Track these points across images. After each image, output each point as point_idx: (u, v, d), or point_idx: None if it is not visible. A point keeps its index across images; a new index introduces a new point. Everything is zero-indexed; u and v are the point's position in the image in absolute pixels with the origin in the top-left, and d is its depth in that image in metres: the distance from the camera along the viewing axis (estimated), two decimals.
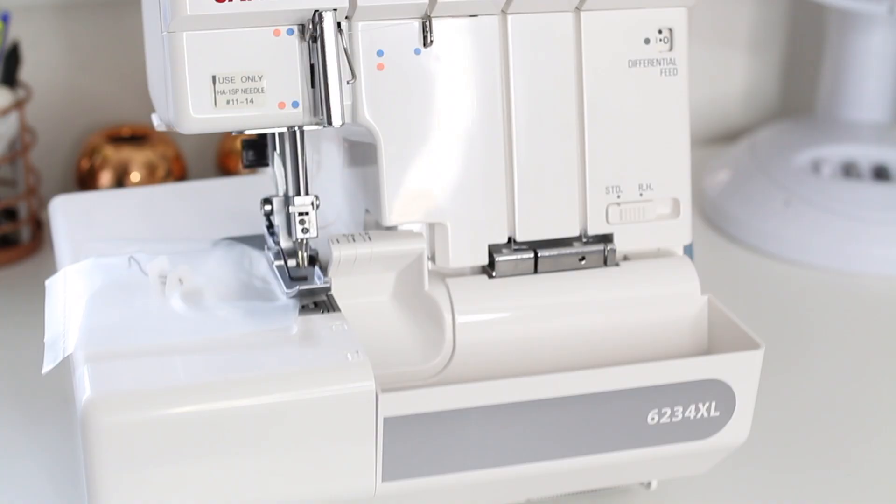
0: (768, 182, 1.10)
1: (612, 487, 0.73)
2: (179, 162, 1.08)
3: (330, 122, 0.64)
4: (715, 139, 1.28)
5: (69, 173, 1.11)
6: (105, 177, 1.06)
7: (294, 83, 0.64)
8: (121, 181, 1.05)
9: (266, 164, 0.73)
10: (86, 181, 1.06)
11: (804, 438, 0.81)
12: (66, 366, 0.70)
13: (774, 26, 1.29)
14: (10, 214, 1.04)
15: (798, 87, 1.30)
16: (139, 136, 1.08)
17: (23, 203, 1.04)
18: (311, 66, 0.64)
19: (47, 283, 0.70)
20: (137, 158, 1.06)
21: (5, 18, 0.99)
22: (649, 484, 0.74)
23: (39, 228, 1.05)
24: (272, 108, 0.64)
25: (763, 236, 1.07)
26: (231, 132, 0.66)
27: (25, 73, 1.05)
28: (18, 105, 1.00)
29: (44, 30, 1.08)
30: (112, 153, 1.06)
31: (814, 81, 1.25)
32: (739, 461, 0.77)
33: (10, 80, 1.01)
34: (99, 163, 1.06)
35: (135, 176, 1.05)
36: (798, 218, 1.06)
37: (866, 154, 1.12)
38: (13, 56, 1.01)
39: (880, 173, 1.10)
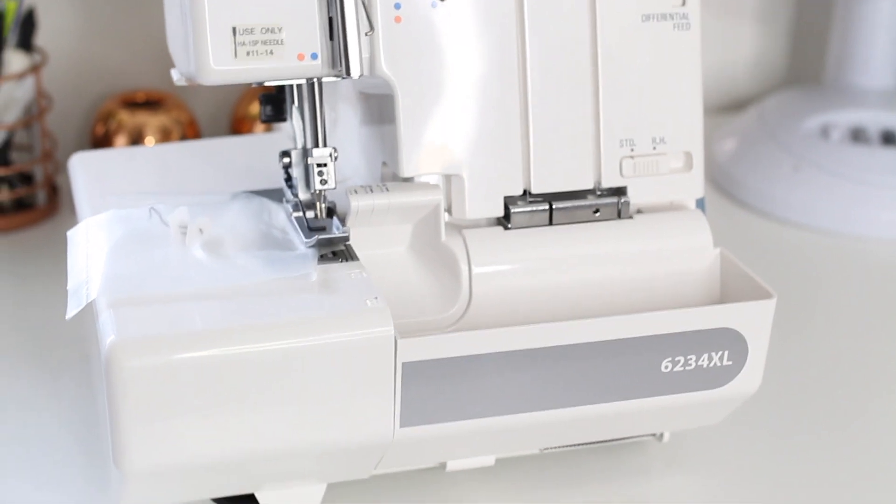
0: (777, 147, 1.11)
1: (625, 440, 0.74)
2: (193, 127, 1.09)
3: (349, 74, 0.65)
4: (723, 108, 1.29)
5: (84, 138, 1.12)
6: (120, 141, 1.07)
7: (313, 35, 0.65)
8: (135, 146, 1.06)
9: (283, 119, 0.74)
10: (101, 146, 1.07)
11: (811, 398, 0.82)
12: (85, 318, 0.71)
13: None
14: (27, 179, 1.05)
15: (805, 55, 1.31)
16: (154, 102, 1.09)
17: (38, 167, 1.05)
18: (330, 19, 0.65)
19: (69, 234, 0.71)
20: (152, 123, 1.07)
21: None
22: (661, 436, 0.75)
23: (55, 192, 1.06)
24: (291, 59, 0.65)
25: (772, 201, 1.08)
26: (250, 84, 0.67)
27: (41, 38, 1.06)
28: (34, 70, 1.01)
29: None
30: (127, 118, 1.07)
31: (821, 50, 1.26)
32: (749, 416, 0.78)
33: (26, 45, 1.01)
34: (114, 128, 1.07)
35: (149, 141, 1.06)
36: (807, 182, 1.07)
37: (874, 119, 1.12)
38: (29, 21, 1.01)
39: (889, 138, 1.11)
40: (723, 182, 1.12)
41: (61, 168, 1.08)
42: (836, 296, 0.96)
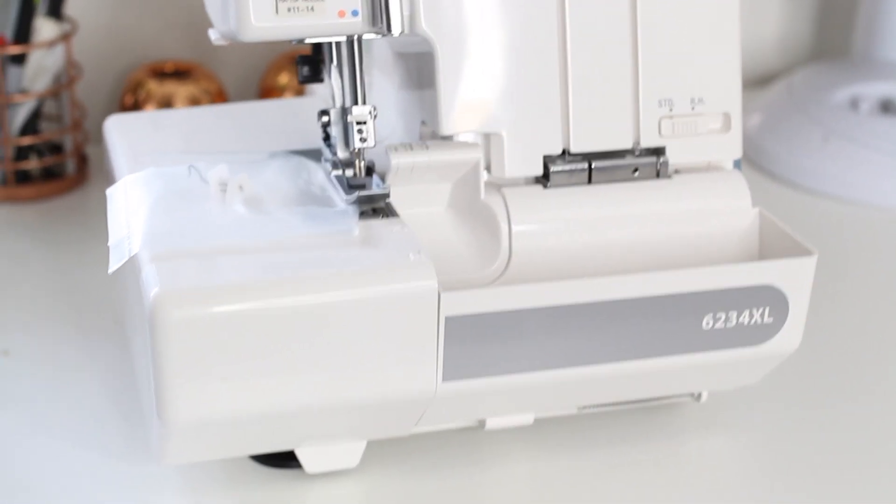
0: (806, 119, 1.10)
1: (663, 400, 0.74)
2: (222, 97, 1.09)
3: (389, 31, 0.65)
4: (751, 83, 1.29)
5: (113, 108, 1.12)
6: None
7: None
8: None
9: (320, 80, 0.74)
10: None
11: (847, 364, 0.82)
12: (121, 277, 0.71)
13: None
14: (56, 148, 1.05)
15: (832, 31, 1.30)
16: (182, 72, 1.09)
17: (68, 137, 1.05)
18: None
19: (108, 191, 0.71)
20: (181, 93, 1.07)
21: None
22: (699, 396, 0.75)
23: (84, 162, 1.06)
24: (332, 16, 0.65)
25: (802, 172, 1.08)
26: (289, 42, 0.66)
27: (70, 7, 1.06)
28: (65, 38, 1.01)
29: None
30: (156, 88, 1.07)
31: (847, 25, 1.25)
32: (784, 380, 0.78)
33: (56, 14, 1.02)
34: (143, 97, 1.07)
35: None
36: (836, 154, 1.07)
37: None
38: None
39: None
40: (752, 155, 1.12)
41: (90, 137, 1.08)
42: (866, 265, 0.96)
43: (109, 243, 0.66)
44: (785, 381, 0.78)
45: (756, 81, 1.29)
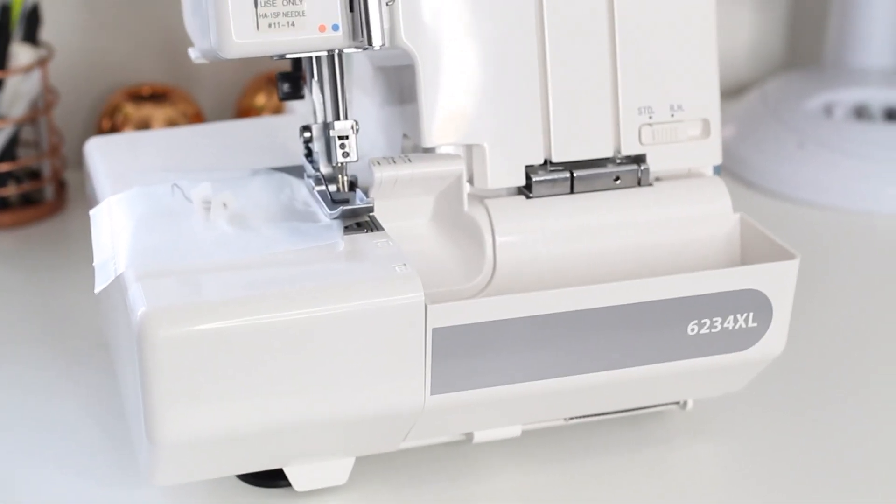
0: (781, 127, 1.11)
1: (649, 408, 0.74)
2: (200, 119, 1.09)
3: (370, 44, 0.65)
4: (723, 93, 1.29)
5: (90, 132, 1.12)
6: None
7: (334, 6, 0.65)
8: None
9: (301, 97, 0.74)
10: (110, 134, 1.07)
11: (827, 369, 0.83)
12: (105, 300, 0.71)
13: None
14: (34, 174, 1.05)
15: (803, 40, 1.31)
16: (159, 95, 1.09)
17: (46, 162, 1.04)
18: None
19: (91, 213, 0.71)
20: (158, 116, 1.07)
21: None
22: (685, 404, 0.75)
23: (62, 188, 1.06)
24: (313, 31, 0.65)
25: (778, 180, 1.08)
26: (272, 57, 0.67)
27: (46, 32, 1.06)
28: (41, 63, 1.00)
29: None
30: (133, 111, 1.07)
31: (819, 33, 1.26)
32: (768, 387, 0.78)
33: (32, 39, 1.01)
34: (120, 121, 1.07)
35: None
36: (812, 160, 1.08)
37: (877, 96, 1.13)
38: (34, 15, 1.01)
39: (891, 115, 1.11)
40: (729, 164, 1.12)
41: (68, 163, 1.08)
42: (845, 270, 0.97)
43: (95, 263, 0.66)
44: (768, 386, 0.78)
45: (729, 91, 1.30)
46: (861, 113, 1.12)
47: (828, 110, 1.12)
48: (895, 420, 0.77)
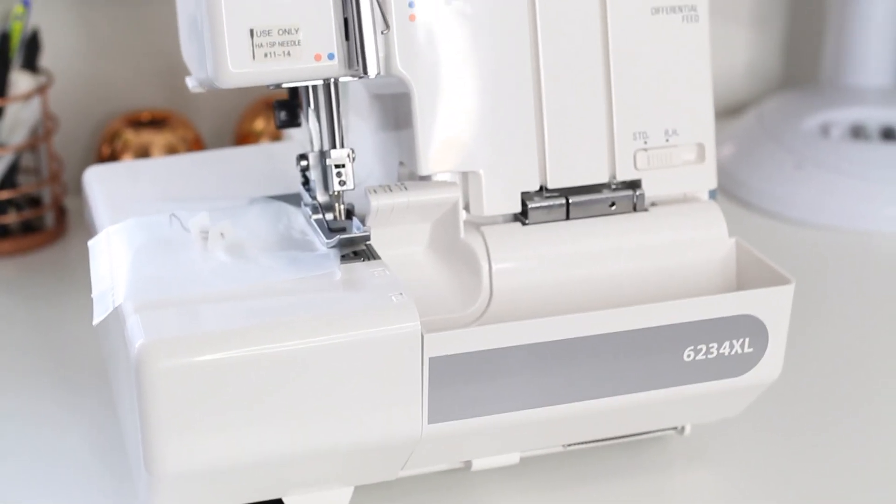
0: (778, 147, 1.12)
1: (647, 434, 0.74)
2: (199, 144, 1.09)
3: (366, 73, 0.65)
4: (720, 113, 1.30)
5: (90, 159, 1.12)
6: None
7: (329, 35, 0.65)
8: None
9: (297, 125, 0.75)
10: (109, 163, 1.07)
11: (827, 392, 0.83)
12: (105, 330, 0.71)
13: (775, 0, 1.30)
14: (34, 201, 1.06)
15: (800, 59, 1.32)
16: (159, 120, 1.09)
17: (46, 189, 1.05)
18: (345, 19, 0.66)
19: (90, 243, 0.71)
20: (157, 142, 1.07)
21: (26, 3, 1.00)
22: (683, 430, 0.75)
23: (63, 215, 1.06)
24: (309, 60, 0.66)
25: (775, 200, 1.09)
26: (268, 86, 0.67)
27: (45, 59, 1.07)
28: (41, 91, 1.01)
29: (63, 17, 1.09)
30: (132, 137, 1.07)
31: (815, 52, 1.27)
32: (767, 411, 0.78)
33: (32, 66, 1.02)
34: (120, 147, 1.08)
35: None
36: (809, 181, 1.08)
37: (873, 116, 1.13)
38: (34, 42, 1.02)
39: (888, 134, 1.12)
40: (726, 183, 1.12)
41: (68, 189, 1.08)
42: (843, 290, 0.97)
43: (93, 295, 0.66)
44: (766, 410, 0.78)
45: (726, 111, 1.30)
46: (858, 132, 1.12)
47: (824, 130, 1.13)
48: (893, 444, 0.77)
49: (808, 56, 1.30)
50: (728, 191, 1.12)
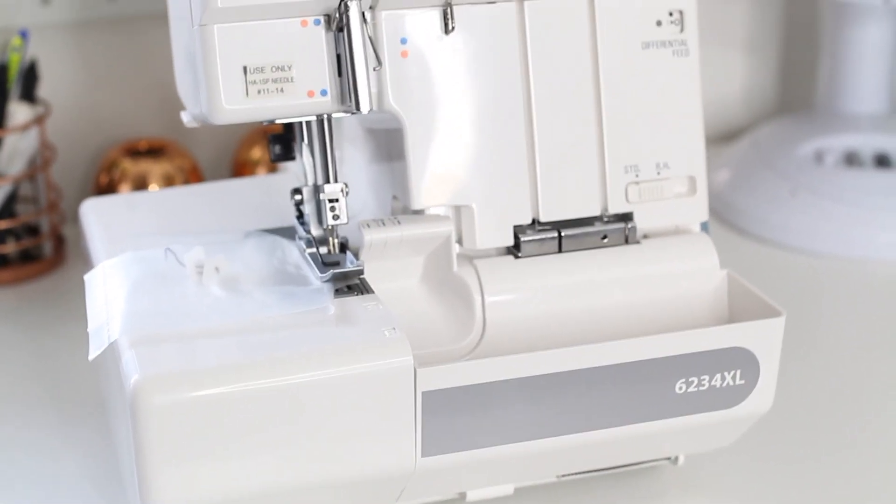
0: (773, 174, 1.12)
1: (640, 465, 0.75)
2: (196, 173, 1.10)
3: (358, 109, 0.66)
4: (716, 138, 1.31)
5: (88, 188, 1.13)
6: (124, 190, 1.08)
7: (322, 72, 0.66)
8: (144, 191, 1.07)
9: (292, 158, 0.75)
10: (105, 195, 1.08)
11: (820, 419, 0.83)
12: (102, 363, 0.72)
13: (770, 26, 1.31)
14: (32, 230, 1.06)
15: (796, 85, 1.33)
16: (156, 149, 1.10)
17: (44, 218, 1.05)
18: (338, 56, 0.66)
19: (86, 277, 0.71)
20: (155, 171, 1.08)
21: (24, 35, 1.01)
22: (676, 459, 0.76)
23: (61, 244, 1.07)
24: (302, 96, 0.66)
25: (770, 227, 1.09)
26: (259, 123, 0.68)
27: (43, 90, 1.07)
28: (38, 121, 1.02)
29: (60, 48, 1.10)
30: (130, 166, 1.08)
31: (810, 78, 1.28)
32: (761, 438, 0.79)
33: (29, 97, 1.03)
34: (118, 176, 1.08)
35: (153, 188, 1.07)
36: (804, 207, 1.08)
37: (867, 143, 1.14)
38: (31, 73, 1.03)
39: (882, 161, 1.12)
40: (721, 210, 1.13)
41: (66, 219, 1.09)
42: (838, 317, 0.97)
43: (89, 329, 0.67)
44: (760, 439, 0.79)
45: (722, 137, 1.31)
46: (851, 159, 1.13)
47: (819, 157, 1.13)
48: (887, 473, 0.78)
49: (803, 82, 1.31)
50: (723, 217, 1.13)
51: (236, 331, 0.64)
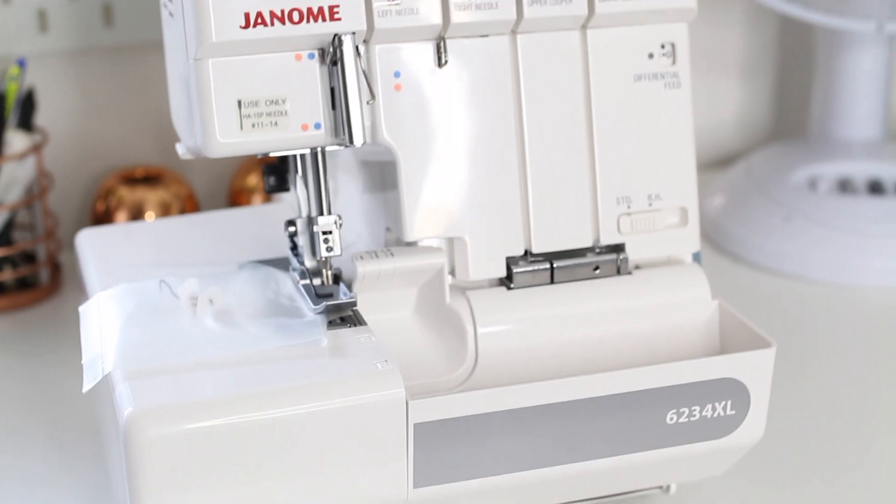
0: (766, 200, 1.13)
1: (632, 493, 0.75)
2: (192, 200, 1.10)
3: (352, 142, 0.66)
4: (710, 164, 1.31)
5: (85, 215, 1.14)
6: (121, 217, 1.08)
7: (316, 105, 0.67)
8: (139, 221, 1.07)
9: (287, 189, 0.76)
10: (102, 223, 1.08)
11: (813, 447, 0.83)
12: (97, 393, 0.72)
13: (764, 52, 1.32)
14: (29, 258, 1.07)
15: (789, 110, 1.33)
16: (153, 177, 1.10)
17: (41, 246, 1.06)
18: (332, 89, 0.67)
19: (81, 309, 0.72)
20: (152, 198, 1.08)
21: (21, 63, 1.02)
22: (668, 488, 0.76)
23: (58, 271, 1.07)
24: (296, 130, 0.67)
25: (764, 253, 1.10)
26: (254, 156, 0.68)
27: (40, 118, 1.08)
28: (35, 149, 1.02)
29: (57, 76, 1.11)
30: (127, 194, 1.09)
31: (804, 105, 1.28)
32: (753, 466, 0.79)
33: (27, 125, 1.03)
34: (114, 204, 1.09)
35: (149, 216, 1.08)
36: (797, 234, 1.09)
37: (861, 169, 1.14)
38: (29, 101, 1.03)
39: (875, 187, 1.13)
40: (714, 236, 1.14)
41: (63, 246, 1.09)
42: (832, 344, 0.98)
43: (83, 362, 0.67)
44: (751, 467, 0.79)
45: (716, 162, 1.31)
46: (845, 186, 1.13)
47: (812, 183, 1.14)
48: (878, 501, 0.78)
49: (797, 109, 1.31)
50: (716, 243, 1.13)
51: (230, 364, 0.65)
